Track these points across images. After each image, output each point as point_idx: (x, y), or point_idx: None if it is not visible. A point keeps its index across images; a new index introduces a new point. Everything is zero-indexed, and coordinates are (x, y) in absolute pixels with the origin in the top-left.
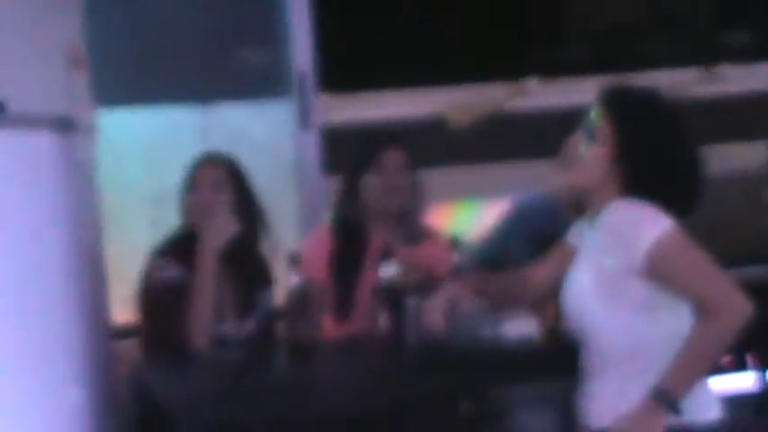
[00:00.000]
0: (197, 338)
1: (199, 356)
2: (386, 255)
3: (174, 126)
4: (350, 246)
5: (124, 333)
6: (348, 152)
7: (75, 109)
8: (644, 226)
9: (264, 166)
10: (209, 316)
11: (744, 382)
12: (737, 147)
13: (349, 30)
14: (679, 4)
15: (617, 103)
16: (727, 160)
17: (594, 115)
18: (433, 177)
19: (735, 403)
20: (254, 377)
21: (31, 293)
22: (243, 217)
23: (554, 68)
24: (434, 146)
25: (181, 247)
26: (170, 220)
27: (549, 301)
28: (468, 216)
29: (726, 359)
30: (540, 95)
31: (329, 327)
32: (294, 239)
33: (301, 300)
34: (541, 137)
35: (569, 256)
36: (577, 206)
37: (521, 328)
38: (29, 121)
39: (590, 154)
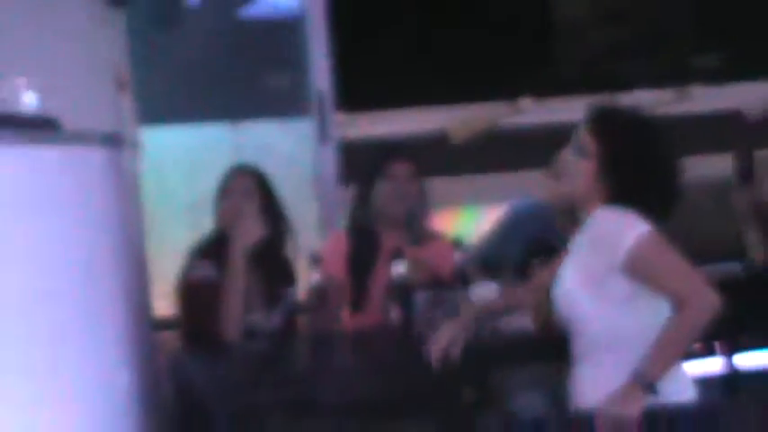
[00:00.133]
0: (229, 330)
1: (230, 346)
2: (396, 255)
3: (208, 142)
4: (364, 247)
5: (165, 325)
6: (361, 164)
7: (122, 127)
8: (625, 230)
9: (288, 176)
10: (239, 310)
11: (713, 366)
12: (707, 159)
13: (363, 56)
14: (655, 33)
15: (603, 122)
16: (698, 170)
17: (583, 133)
18: (438, 186)
19: (705, 385)
20: (279, 365)
21: (86, 289)
22: (269, 222)
23: (545, 89)
24: (438, 158)
25: (214, 249)
26: (205, 225)
27: (543, 298)
28: (469, 220)
29: (697, 346)
30: (532, 113)
31: (346, 319)
32: (314, 242)
33: (321, 296)
34: (534, 150)
35: None
36: (567, 212)
37: (516, 322)
38: (81, 138)
39: (579, 167)
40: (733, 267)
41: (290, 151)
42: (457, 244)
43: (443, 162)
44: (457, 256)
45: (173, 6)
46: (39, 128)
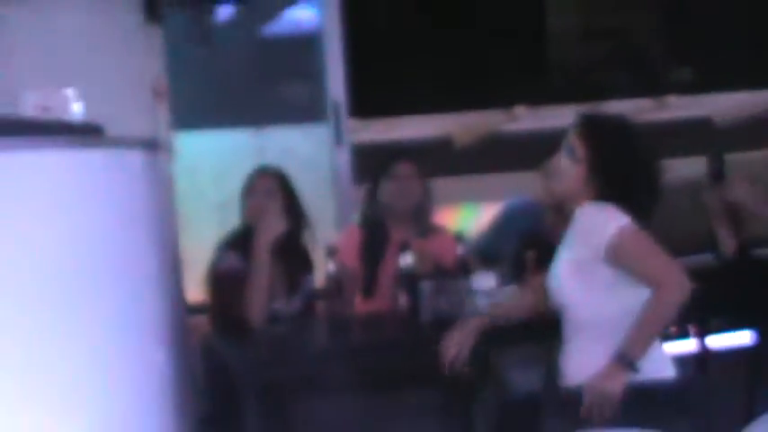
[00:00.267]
0: (254, 315)
1: (256, 329)
2: (404, 247)
3: (235, 146)
4: (374, 239)
5: (197, 310)
6: (372, 165)
7: (159, 132)
8: (606, 222)
9: (307, 177)
10: (263, 296)
11: (687, 346)
12: (682, 161)
13: (375, 67)
14: (635, 48)
15: (590, 128)
16: (675, 172)
17: (572, 138)
18: (442, 185)
19: (680, 363)
20: (298, 346)
21: (128, 278)
22: (290, 217)
23: (538, 98)
24: (442, 160)
25: (240, 242)
26: (232, 221)
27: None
28: (469, 216)
29: (673, 329)
30: (526, 120)
31: (359, 303)
32: (331, 235)
33: (337, 283)
34: (528, 154)
35: None
36: (557, 209)
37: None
38: (122, 142)
39: (569, 169)
40: (705, 259)
41: (309, 154)
42: (459, 237)
43: (447, 164)
44: (459, 249)
45: (204, 24)
46: (85, 133)
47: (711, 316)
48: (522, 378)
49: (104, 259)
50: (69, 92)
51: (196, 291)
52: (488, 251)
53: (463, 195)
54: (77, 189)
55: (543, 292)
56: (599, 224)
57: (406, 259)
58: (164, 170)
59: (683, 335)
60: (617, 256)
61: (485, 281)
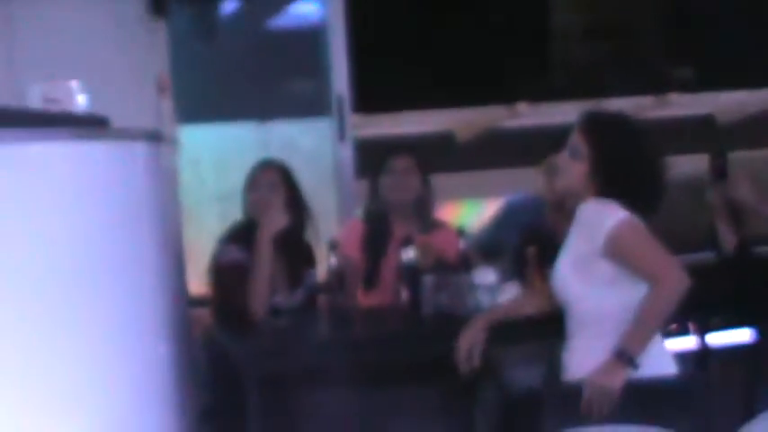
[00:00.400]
0: (256, 308)
1: (257, 322)
2: (406, 242)
3: (238, 139)
4: (377, 233)
5: (199, 302)
6: (373, 160)
7: (162, 125)
8: (604, 217)
9: (310, 171)
10: (266, 290)
11: (687, 343)
12: (683, 159)
13: (377, 63)
14: (636, 45)
15: (594, 126)
16: (676, 170)
17: (576, 135)
18: (444, 180)
19: (680, 360)
20: (300, 338)
21: (130, 271)
22: (292, 211)
23: (539, 95)
24: (445, 155)
25: (243, 235)
26: (235, 214)
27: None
28: (471, 211)
29: (673, 326)
30: (528, 116)
31: (361, 297)
32: (333, 229)
33: (339, 277)
34: (529, 149)
35: None
36: (557, 205)
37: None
38: (127, 135)
39: (572, 167)
40: (706, 256)
41: (312, 148)
42: (461, 232)
43: (449, 159)
44: (461, 244)
45: (209, 18)
46: (89, 125)
47: (711, 313)
48: (523, 375)
49: (108, 251)
50: (74, 84)
51: (198, 283)
52: (489, 246)
53: (465, 191)
54: (81, 181)
55: (546, 293)
56: (598, 219)
57: (409, 254)
58: (167, 162)
59: (683, 332)
60: (615, 250)
61: (486, 276)
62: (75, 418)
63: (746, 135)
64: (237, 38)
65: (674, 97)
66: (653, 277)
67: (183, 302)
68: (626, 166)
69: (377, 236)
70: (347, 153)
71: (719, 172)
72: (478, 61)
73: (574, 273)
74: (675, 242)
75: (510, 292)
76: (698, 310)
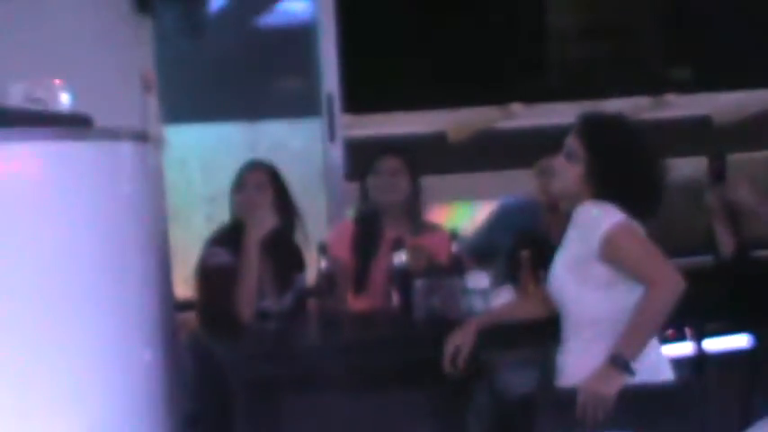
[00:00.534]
0: (243, 312)
1: (245, 326)
2: (397, 244)
3: (225, 139)
4: (367, 235)
5: (185, 306)
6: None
7: (148, 124)
8: (600, 220)
9: (299, 171)
10: (253, 293)
11: (684, 349)
12: (681, 161)
13: (368, 62)
14: (633, 46)
15: (590, 130)
16: (674, 172)
17: (572, 138)
18: (436, 182)
19: (677, 365)
20: (289, 342)
21: (115, 273)
22: (281, 213)
23: (534, 95)
24: (437, 157)
25: (230, 237)
26: (222, 216)
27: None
28: (464, 213)
29: (670, 332)
30: (522, 117)
31: (351, 301)
32: (322, 232)
33: (329, 279)
34: (523, 151)
35: None
36: (552, 208)
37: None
38: (111, 134)
39: (568, 170)
40: (704, 260)
41: (301, 148)
42: (453, 235)
43: (442, 161)
44: (453, 246)
45: (196, 15)
46: (73, 125)
47: (708, 318)
48: (517, 380)
49: (92, 254)
50: (57, 82)
51: (185, 287)
52: (482, 249)
53: (457, 193)
54: (65, 182)
55: (540, 296)
56: (594, 221)
57: (400, 256)
58: (153, 163)
59: (679, 337)
60: (610, 253)
61: (479, 280)
62: (60, 424)
63: (745, 136)
64: (225, 35)
65: (672, 98)
66: (648, 280)
67: (169, 306)
68: (623, 169)
69: (367, 238)
70: (337, 154)
71: (718, 174)
72: (472, 61)
73: (569, 275)
74: (673, 245)
75: (503, 296)
76: (695, 315)
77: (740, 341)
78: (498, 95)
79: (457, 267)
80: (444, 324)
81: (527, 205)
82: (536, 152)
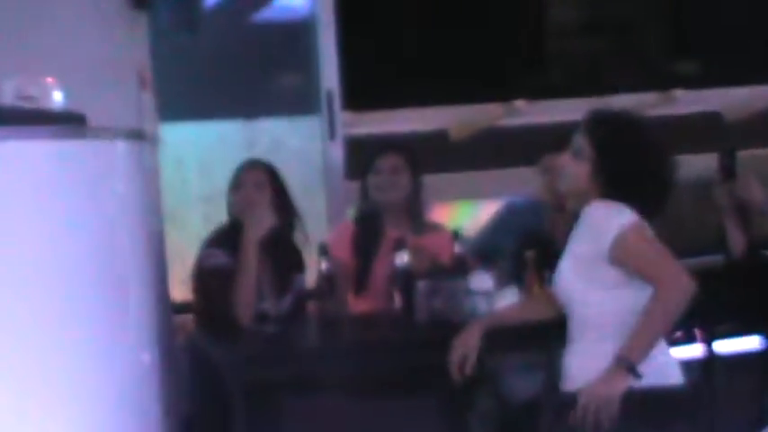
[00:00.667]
0: (242, 314)
1: (243, 329)
2: (399, 245)
3: (223, 137)
4: (368, 235)
5: (182, 308)
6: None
7: (143, 122)
8: (610, 220)
9: (298, 170)
10: (251, 295)
11: (693, 351)
12: (689, 158)
13: (369, 58)
14: (639, 40)
15: (597, 128)
16: (682, 169)
17: (580, 136)
18: (439, 181)
19: (687, 368)
20: (288, 345)
21: (111, 275)
22: (280, 213)
23: (538, 92)
24: (439, 155)
25: (228, 238)
26: (219, 216)
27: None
28: (466, 213)
29: (678, 334)
30: (526, 114)
31: (352, 302)
32: (322, 232)
33: (329, 281)
34: (527, 148)
35: None
36: (558, 207)
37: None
38: (106, 133)
39: (575, 168)
40: (714, 260)
41: (300, 147)
42: (456, 235)
43: (444, 159)
44: (456, 247)
45: (192, 10)
46: (66, 123)
47: (719, 320)
48: (521, 383)
49: (86, 255)
50: (50, 80)
51: (181, 289)
52: (486, 250)
53: (460, 192)
54: (58, 182)
55: (545, 298)
56: (602, 222)
57: (402, 257)
58: (148, 162)
59: (689, 340)
60: (621, 255)
61: (482, 281)
62: (55, 427)
63: (755, 132)
64: (222, 31)
65: (679, 94)
66: (657, 282)
67: (166, 308)
68: (632, 167)
69: (367, 238)
70: (337, 152)
71: (728, 171)
72: (474, 57)
73: (577, 275)
74: (682, 244)
75: (507, 298)
76: (705, 317)
77: (752, 343)
78: (500, 92)
79: (460, 268)
80: (447, 326)
81: (532, 205)
82: (540, 150)
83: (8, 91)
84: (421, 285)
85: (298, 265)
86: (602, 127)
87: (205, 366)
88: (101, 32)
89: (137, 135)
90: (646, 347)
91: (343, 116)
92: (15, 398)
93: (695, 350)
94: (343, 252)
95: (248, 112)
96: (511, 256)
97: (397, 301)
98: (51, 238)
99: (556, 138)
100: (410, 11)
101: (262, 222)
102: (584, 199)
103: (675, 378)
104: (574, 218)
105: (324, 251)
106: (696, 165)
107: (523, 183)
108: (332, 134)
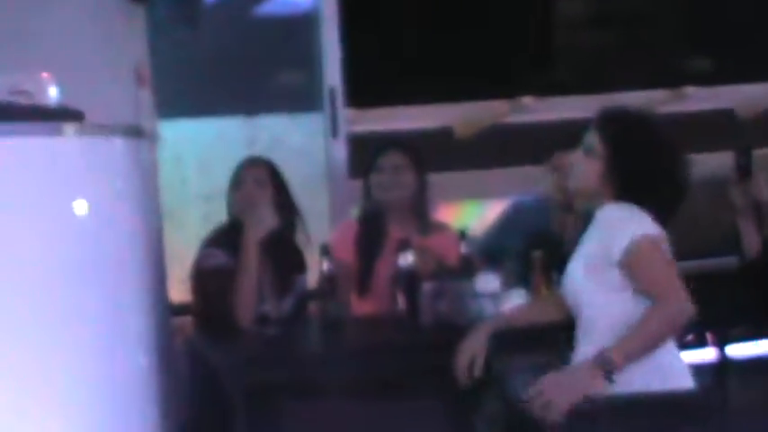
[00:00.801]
0: (242, 316)
1: (243, 331)
2: (403, 245)
3: (223, 135)
4: (371, 235)
5: (181, 310)
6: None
7: (141, 119)
8: (627, 225)
9: (300, 168)
10: (252, 297)
11: (705, 355)
12: (701, 156)
13: (372, 54)
14: (650, 35)
15: (610, 125)
16: (695, 168)
17: (592, 134)
18: (444, 180)
19: (698, 372)
20: (289, 347)
21: (108, 275)
22: (281, 212)
23: (545, 88)
24: (444, 153)
25: (228, 237)
26: (219, 215)
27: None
28: (473, 212)
29: (690, 337)
30: (533, 111)
31: (354, 304)
32: (325, 231)
33: (331, 282)
34: (534, 146)
35: None
36: (567, 207)
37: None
38: (104, 130)
39: (587, 166)
40: (728, 261)
41: (302, 144)
42: (462, 235)
43: (449, 157)
44: (462, 247)
45: (191, 5)
46: (63, 120)
47: (732, 323)
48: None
49: (83, 255)
50: (45, 75)
51: (180, 290)
52: (493, 250)
53: (466, 191)
54: (54, 179)
55: (553, 300)
56: (621, 227)
57: (407, 258)
58: (147, 160)
59: (700, 343)
60: (631, 262)
61: (489, 282)
62: (54, 430)
63: None
64: (222, 26)
65: (691, 90)
66: (659, 296)
67: (165, 310)
68: (645, 167)
69: (371, 238)
70: (340, 150)
71: (743, 170)
72: (480, 52)
73: (586, 277)
74: (695, 245)
75: (514, 299)
76: (717, 320)
77: (765, 347)
78: (507, 88)
79: (466, 269)
80: (452, 329)
81: (539, 204)
82: (548, 148)
83: (2, 86)
84: (426, 287)
85: (299, 265)
86: (613, 124)
87: (204, 369)
88: (98, 27)
89: (135, 132)
90: (631, 356)
91: (346, 113)
92: (12, 401)
93: (707, 354)
94: (346, 252)
95: (249, 109)
96: (518, 257)
97: (401, 302)
98: (45, 239)
99: (564, 135)
100: (415, 6)
101: (263, 222)
102: (594, 198)
103: (686, 382)
104: (584, 218)
105: (326, 251)
106: (709, 163)
107: (530, 181)
108: (334, 131)
